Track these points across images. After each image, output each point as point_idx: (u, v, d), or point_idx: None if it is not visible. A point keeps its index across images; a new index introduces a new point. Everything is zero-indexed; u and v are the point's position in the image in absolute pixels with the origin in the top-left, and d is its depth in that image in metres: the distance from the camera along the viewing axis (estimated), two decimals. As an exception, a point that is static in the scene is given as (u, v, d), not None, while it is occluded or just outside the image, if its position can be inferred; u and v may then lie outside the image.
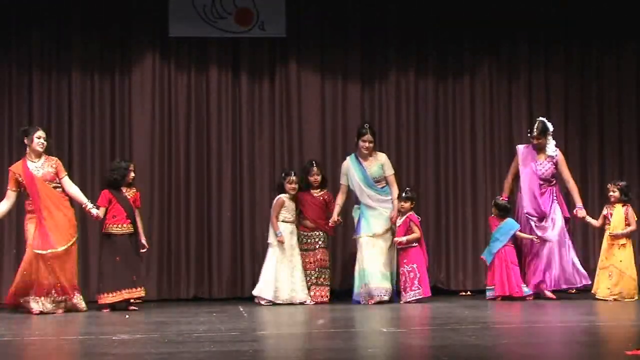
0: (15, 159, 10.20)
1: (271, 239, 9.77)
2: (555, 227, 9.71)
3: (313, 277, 9.76)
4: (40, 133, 9.22)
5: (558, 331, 7.59)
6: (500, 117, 10.83)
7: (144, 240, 9.57)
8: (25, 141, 9.22)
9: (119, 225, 9.35)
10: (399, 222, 9.69)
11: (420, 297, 9.54)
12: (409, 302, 9.50)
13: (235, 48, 10.62)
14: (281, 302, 9.60)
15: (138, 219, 9.56)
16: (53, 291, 9.04)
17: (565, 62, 10.92)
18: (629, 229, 9.63)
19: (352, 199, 9.98)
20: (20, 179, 9.14)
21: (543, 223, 9.73)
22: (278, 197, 9.83)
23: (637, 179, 10.88)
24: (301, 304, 9.62)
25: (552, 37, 10.89)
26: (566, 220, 9.83)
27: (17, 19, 10.32)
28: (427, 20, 10.78)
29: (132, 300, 9.34)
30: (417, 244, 9.66)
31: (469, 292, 10.26)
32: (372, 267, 9.59)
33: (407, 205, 9.70)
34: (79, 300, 9.19)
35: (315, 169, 9.91)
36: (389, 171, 9.91)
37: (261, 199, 10.28)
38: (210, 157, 10.52)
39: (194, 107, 10.55)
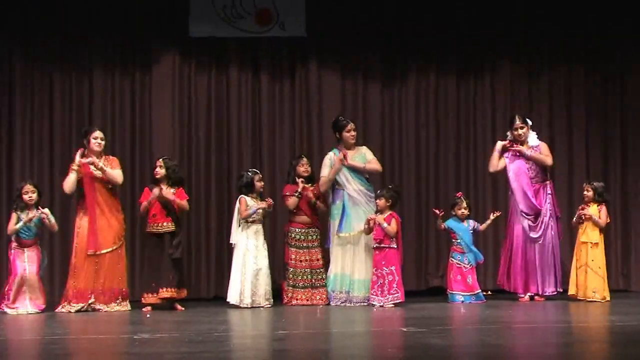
0: (36, 156, 10.27)
1: (233, 239, 9.57)
2: (545, 228, 9.62)
3: (311, 278, 9.58)
4: (97, 133, 9.29)
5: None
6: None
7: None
8: (85, 141, 9.30)
9: (160, 224, 9.29)
10: (381, 219, 9.37)
11: (399, 301, 9.22)
12: (384, 306, 9.15)
13: (255, 48, 10.63)
14: (245, 306, 9.28)
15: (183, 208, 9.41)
16: (92, 296, 9.07)
17: (587, 62, 10.86)
18: (600, 220, 9.54)
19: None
20: (79, 175, 9.16)
21: (536, 223, 9.61)
22: (240, 197, 9.55)
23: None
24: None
25: (573, 37, 10.83)
26: (557, 219, 9.73)
27: (37, 20, 10.35)
28: (447, 21, 10.76)
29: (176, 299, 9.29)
30: (395, 245, 9.35)
31: (489, 292, 10.21)
32: (357, 274, 9.48)
33: (381, 202, 9.43)
34: (124, 307, 9.19)
35: (305, 159, 9.81)
36: (370, 155, 9.75)
37: (281, 198, 10.25)
38: (230, 157, 10.54)
39: (214, 107, 10.56)
